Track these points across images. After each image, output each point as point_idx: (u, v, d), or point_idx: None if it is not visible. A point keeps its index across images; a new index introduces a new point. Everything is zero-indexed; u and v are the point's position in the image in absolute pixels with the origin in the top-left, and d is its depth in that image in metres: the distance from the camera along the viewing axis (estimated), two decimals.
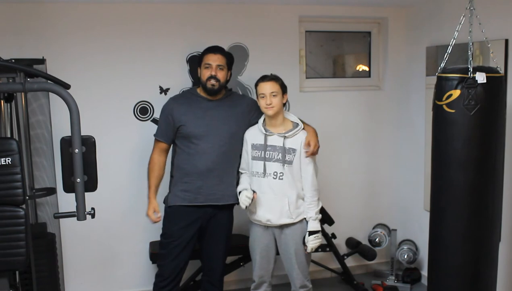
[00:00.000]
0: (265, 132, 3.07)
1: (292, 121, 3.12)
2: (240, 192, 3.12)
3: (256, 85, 3.09)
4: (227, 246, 3.30)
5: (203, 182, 3.12)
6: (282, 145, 3.03)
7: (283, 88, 3.08)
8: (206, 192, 3.13)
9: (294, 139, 3.05)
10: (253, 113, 3.24)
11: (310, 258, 3.27)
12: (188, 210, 3.14)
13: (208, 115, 3.14)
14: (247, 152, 3.15)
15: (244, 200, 3.04)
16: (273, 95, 3.01)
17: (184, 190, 3.14)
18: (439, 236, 2.79)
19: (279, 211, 3.04)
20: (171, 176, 3.26)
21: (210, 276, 3.31)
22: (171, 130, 3.16)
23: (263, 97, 3.03)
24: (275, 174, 3.04)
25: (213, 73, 3.10)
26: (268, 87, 3.02)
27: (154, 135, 3.24)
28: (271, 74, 3.10)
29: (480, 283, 2.73)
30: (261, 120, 3.13)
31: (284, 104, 3.12)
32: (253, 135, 3.14)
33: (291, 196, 3.05)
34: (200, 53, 3.32)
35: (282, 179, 3.03)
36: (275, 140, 3.06)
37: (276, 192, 3.04)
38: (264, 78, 3.07)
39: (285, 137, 3.04)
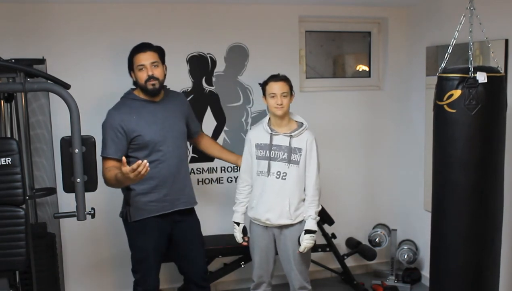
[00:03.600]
0: (270, 132, 3.06)
1: (296, 121, 3.11)
2: (234, 223, 3.20)
3: (266, 84, 3.05)
4: (204, 244, 3.21)
5: (168, 189, 2.98)
6: (288, 145, 3.02)
7: (291, 89, 3.07)
8: (172, 198, 3.00)
9: (300, 138, 3.04)
10: (189, 111, 3.23)
11: (309, 259, 3.25)
12: (156, 220, 2.98)
13: (159, 119, 2.96)
14: (250, 153, 3.13)
15: (238, 239, 3.22)
16: (284, 96, 2.99)
17: (150, 201, 2.96)
18: (441, 236, 2.79)
19: (279, 211, 3.03)
20: (128, 189, 2.98)
21: (197, 279, 3.18)
22: (125, 144, 2.89)
23: (273, 97, 3.00)
24: (278, 173, 3.03)
25: (150, 73, 2.90)
26: (279, 87, 3.00)
27: (103, 155, 2.88)
28: (280, 74, 3.08)
29: (482, 283, 2.73)
30: (265, 120, 3.11)
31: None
32: (257, 135, 3.12)
33: (293, 197, 3.04)
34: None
35: (285, 179, 3.02)
36: (281, 140, 3.04)
37: (277, 192, 3.03)
38: (275, 78, 3.04)
39: (291, 137, 3.03)
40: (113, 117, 2.92)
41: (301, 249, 3.04)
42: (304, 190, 3.08)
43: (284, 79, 3.05)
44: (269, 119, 3.12)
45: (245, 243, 3.19)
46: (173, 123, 3.02)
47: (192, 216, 3.17)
